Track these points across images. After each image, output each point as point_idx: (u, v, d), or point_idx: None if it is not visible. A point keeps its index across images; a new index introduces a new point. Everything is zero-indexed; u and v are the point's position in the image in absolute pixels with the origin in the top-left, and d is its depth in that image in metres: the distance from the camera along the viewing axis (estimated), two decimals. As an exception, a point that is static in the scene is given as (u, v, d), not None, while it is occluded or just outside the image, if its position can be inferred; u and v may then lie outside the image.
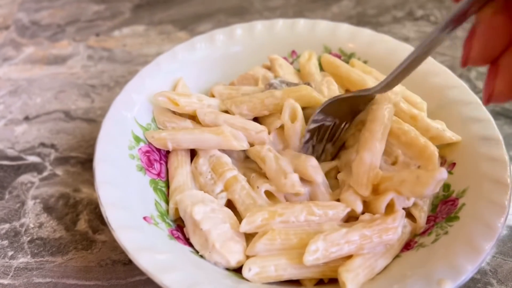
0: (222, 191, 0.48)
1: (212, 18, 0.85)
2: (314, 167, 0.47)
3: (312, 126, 0.49)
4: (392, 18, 0.84)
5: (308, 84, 0.52)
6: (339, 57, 0.60)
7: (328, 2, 0.88)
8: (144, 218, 0.44)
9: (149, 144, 0.52)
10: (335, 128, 0.51)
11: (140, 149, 0.51)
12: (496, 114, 0.65)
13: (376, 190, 0.45)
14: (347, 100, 0.49)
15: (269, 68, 0.59)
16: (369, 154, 0.46)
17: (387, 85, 0.46)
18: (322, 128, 0.50)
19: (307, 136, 0.49)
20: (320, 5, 0.87)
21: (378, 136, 0.47)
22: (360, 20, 0.84)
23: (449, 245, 0.40)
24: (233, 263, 0.42)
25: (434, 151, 0.47)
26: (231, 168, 0.49)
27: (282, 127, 0.51)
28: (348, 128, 0.52)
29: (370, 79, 0.54)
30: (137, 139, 0.51)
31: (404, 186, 0.43)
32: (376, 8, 0.86)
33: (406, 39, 0.78)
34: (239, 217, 0.46)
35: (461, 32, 0.80)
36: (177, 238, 0.45)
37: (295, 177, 0.46)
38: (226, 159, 0.50)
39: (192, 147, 0.51)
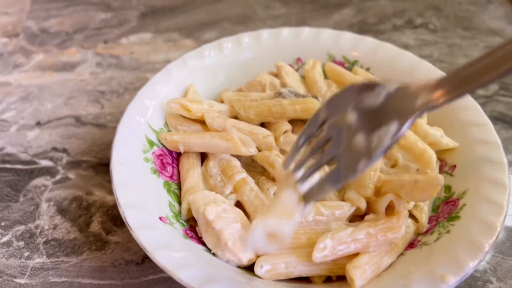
0: (231, 192, 0.50)
1: (217, 26, 0.87)
2: None
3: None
4: (392, 26, 0.87)
5: (316, 97, 0.54)
6: (342, 64, 0.63)
7: (329, 10, 0.91)
8: (160, 218, 0.46)
9: (162, 147, 0.54)
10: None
11: (153, 152, 0.53)
12: (494, 119, 0.67)
13: (378, 193, 0.48)
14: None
15: (276, 75, 0.61)
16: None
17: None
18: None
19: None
20: (322, 13, 0.90)
21: None
22: (361, 28, 0.86)
23: (451, 243, 0.42)
24: (245, 261, 0.44)
25: (432, 155, 0.50)
26: (240, 171, 0.51)
27: (287, 132, 0.53)
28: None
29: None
30: (151, 143, 0.53)
31: (403, 190, 0.46)
32: (376, 17, 0.89)
33: (405, 47, 0.81)
34: (248, 218, 0.48)
35: (459, 39, 0.83)
36: (191, 237, 0.47)
37: None
38: (236, 162, 0.52)
39: (202, 150, 0.54)
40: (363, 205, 0.47)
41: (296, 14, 0.90)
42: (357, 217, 0.48)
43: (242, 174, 0.50)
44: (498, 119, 0.68)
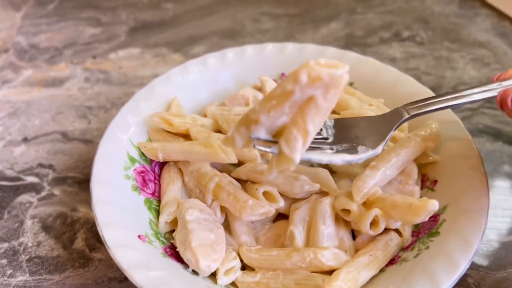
0: (213, 200, 0.50)
1: (206, 40, 0.88)
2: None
3: None
4: (379, 39, 0.87)
5: None
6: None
7: (317, 24, 0.91)
8: (139, 236, 0.46)
9: (144, 164, 0.54)
10: None
11: (135, 169, 0.53)
12: (479, 132, 0.68)
13: (369, 206, 0.48)
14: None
15: (259, 89, 0.61)
16: (384, 171, 0.49)
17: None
18: None
19: None
20: (310, 27, 0.90)
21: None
22: (348, 41, 0.86)
23: (430, 259, 0.42)
24: (202, 265, 0.44)
25: (413, 167, 0.50)
26: (212, 176, 0.51)
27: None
28: None
29: (353, 99, 0.57)
30: (132, 160, 0.53)
31: (395, 210, 0.45)
32: (363, 30, 0.89)
33: (392, 60, 0.81)
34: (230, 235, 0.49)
35: (446, 52, 0.83)
36: (170, 255, 0.47)
37: (304, 177, 0.50)
38: (205, 168, 0.52)
39: (181, 158, 0.53)
40: (354, 207, 0.47)
41: (284, 28, 0.91)
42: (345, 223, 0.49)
43: (214, 180, 0.50)
44: (483, 132, 0.68)
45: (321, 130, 0.48)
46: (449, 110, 0.54)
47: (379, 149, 0.46)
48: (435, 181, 0.51)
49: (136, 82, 0.79)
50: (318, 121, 0.40)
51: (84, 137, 0.69)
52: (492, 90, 0.46)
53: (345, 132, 0.48)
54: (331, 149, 0.46)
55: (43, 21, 0.94)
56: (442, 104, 0.47)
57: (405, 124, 0.54)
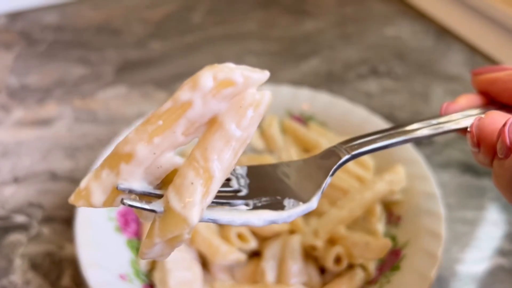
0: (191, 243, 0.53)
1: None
2: None
3: None
4: (357, 75, 0.91)
5: (272, 152, 0.59)
6: (300, 119, 0.67)
7: (297, 62, 0.95)
8: (120, 276, 0.49)
9: (127, 205, 0.57)
10: None
11: (118, 211, 0.56)
12: (449, 165, 0.71)
13: (333, 243, 0.51)
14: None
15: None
16: (348, 211, 0.52)
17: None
18: None
19: None
20: (290, 65, 0.95)
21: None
22: (327, 78, 0.91)
23: (390, 293, 0.46)
24: None
25: (377, 206, 0.53)
26: None
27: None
28: None
29: (324, 140, 0.60)
30: (115, 202, 0.56)
31: (355, 248, 0.49)
32: (342, 66, 0.94)
33: (369, 95, 0.85)
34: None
35: (419, 86, 0.87)
36: (149, 293, 0.50)
37: None
38: None
39: None
40: (319, 244, 0.50)
41: (266, 65, 0.94)
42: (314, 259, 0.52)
43: None
44: (453, 165, 0.72)
45: (229, 180, 0.35)
46: (412, 150, 0.58)
47: (313, 202, 0.34)
48: (399, 218, 0.54)
49: (122, 121, 0.82)
50: (227, 159, 0.28)
51: (72, 176, 0.73)
52: (442, 124, 0.39)
53: (265, 182, 0.36)
54: (247, 204, 0.34)
55: (35, 62, 0.98)
56: (385, 141, 0.39)
57: (370, 163, 0.58)
